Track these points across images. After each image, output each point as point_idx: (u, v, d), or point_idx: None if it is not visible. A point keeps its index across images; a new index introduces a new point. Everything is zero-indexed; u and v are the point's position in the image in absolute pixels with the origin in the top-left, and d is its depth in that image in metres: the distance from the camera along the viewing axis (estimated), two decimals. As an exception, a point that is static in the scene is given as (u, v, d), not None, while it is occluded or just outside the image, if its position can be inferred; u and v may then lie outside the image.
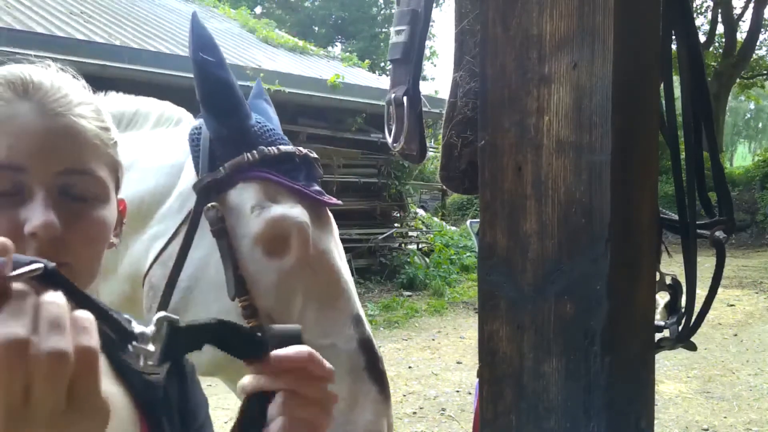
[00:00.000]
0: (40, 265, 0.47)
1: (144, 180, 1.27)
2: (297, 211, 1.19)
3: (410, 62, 1.23)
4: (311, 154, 1.29)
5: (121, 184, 0.86)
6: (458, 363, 6.72)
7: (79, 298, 0.50)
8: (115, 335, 0.56)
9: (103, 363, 0.84)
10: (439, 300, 9.82)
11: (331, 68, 11.05)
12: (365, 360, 1.20)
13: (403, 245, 11.42)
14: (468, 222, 12.60)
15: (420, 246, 12.35)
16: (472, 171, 1.11)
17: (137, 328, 0.57)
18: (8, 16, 7.57)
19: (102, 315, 0.52)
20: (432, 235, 13.06)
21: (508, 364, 0.96)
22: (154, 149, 1.31)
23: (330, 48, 21.77)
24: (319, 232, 1.24)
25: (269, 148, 1.22)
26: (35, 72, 0.79)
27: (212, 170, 1.20)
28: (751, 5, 20.91)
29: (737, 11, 21.93)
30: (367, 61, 13.84)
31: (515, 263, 0.95)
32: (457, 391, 5.86)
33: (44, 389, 0.42)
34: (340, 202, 1.35)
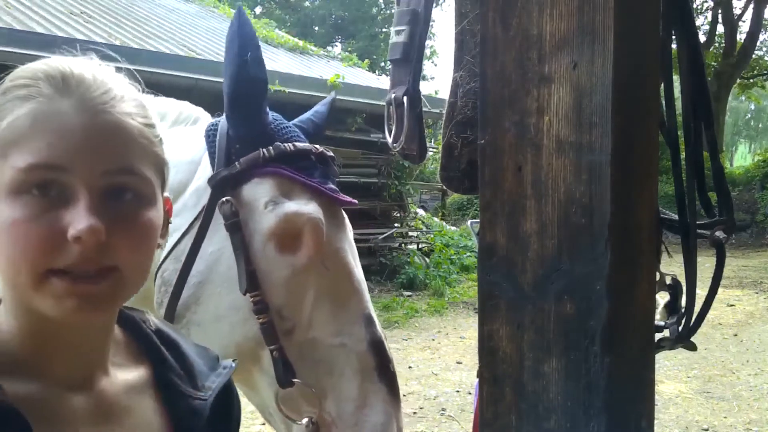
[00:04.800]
0: None
1: None
2: (311, 208, 1.18)
3: (410, 62, 1.23)
4: (327, 152, 1.28)
5: (167, 182, 0.82)
6: (458, 363, 6.72)
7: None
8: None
9: (148, 382, 0.82)
10: (439, 300, 9.81)
11: (331, 68, 11.05)
12: (376, 361, 1.19)
13: (403, 245, 11.42)
14: (468, 222, 12.58)
15: (420, 246, 12.34)
16: (472, 171, 1.10)
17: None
18: (8, 16, 7.57)
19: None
20: (432, 235, 13.05)
21: (508, 364, 0.96)
22: (172, 146, 1.32)
23: (330, 48, 21.76)
24: (333, 230, 1.23)
25: (285, 144, 1.22)
26: (76, 65, 0.74)
27: (228, 165, 1.20)
28: (751, 5, 20.90)
29: (737, 11, 21.94)
30: (367, 61, 13.84)
31: (515, 263, 0.95)
32: (457, 391, 5.86)
33: None
34: (355, 201, 1.33)
